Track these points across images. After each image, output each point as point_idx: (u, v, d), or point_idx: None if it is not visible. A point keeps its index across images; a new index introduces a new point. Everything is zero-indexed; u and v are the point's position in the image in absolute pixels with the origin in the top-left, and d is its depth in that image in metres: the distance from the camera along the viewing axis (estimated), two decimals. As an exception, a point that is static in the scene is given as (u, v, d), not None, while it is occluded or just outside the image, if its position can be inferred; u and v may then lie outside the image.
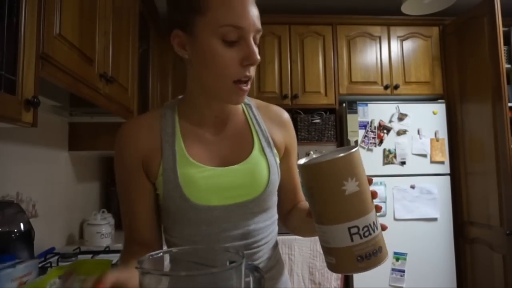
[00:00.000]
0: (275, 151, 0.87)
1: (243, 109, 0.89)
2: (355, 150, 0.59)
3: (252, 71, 0.76)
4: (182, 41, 0.81)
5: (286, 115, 0.93)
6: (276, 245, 0.91)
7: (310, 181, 0.60)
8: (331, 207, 0.58)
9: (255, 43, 0.74)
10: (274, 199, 0.89)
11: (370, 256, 0.58)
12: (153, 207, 0.84)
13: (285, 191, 0.92)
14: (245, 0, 0.73)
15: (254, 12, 0.74)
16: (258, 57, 0.73)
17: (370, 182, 0.62)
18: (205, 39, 0.74)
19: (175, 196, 0.77)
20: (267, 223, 0.85)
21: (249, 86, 0.78)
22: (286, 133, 0.91)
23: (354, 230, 0.57)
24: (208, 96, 0.81)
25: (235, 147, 0.84)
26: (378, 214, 0.62)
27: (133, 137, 0.83)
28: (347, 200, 0.57)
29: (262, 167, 0.82)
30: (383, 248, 0.60)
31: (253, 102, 0.91)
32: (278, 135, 0.89)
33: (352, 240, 0.57)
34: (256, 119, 0.88)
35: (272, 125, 0.89)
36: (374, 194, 0.62)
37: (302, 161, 0.61)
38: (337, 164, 0.57)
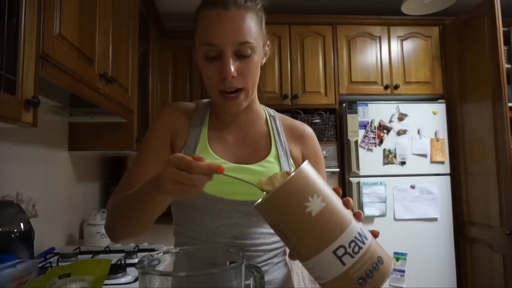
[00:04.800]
0: (291, 161, 0.91)
1: (266, 119, 0.96)
2: (301, 167, 0.52)
3: (236, 83, 0.80)
4: (194, 55, 0.90)
5: (307, 130, 0.98)
6: (284, 265, 0.91)
7: (272, 218, 0.53)
8: (305, 236, 0.51)
9: (242, 55, 0.79)
10: None
11: (372, 272, 0.50)
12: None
13: None
14: (221, 19, 0.78)
15: (233, 28, 0.78)
16: (230, 71, 0.77)
17: (338, 192, 0.57)
18: (197, 56, 0.85)
19: None
20: (271, 232, 0.84)
21: (240, 96, 0.82)
22: (305, 147, 0.95)
23: (341, 252, 0.49)
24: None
25: (252, 151, 0.90)
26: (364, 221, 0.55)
27: (171, 113, 0.91)
28: (317, 221, 0.50)
29: (274, 172, 0.84)
30: (383, 257, 0.52)
31: (278, 115, 0.99)
32: (296, 148, 0.94)
33: (343, 263, 0.50)
34: (277, 130, 0.94)
35: (292, 138, 0.95)
36: (347, 203, 0.55)
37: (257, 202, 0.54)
38: (289, 189, 0.50)
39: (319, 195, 0.50)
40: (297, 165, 0.92)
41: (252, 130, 0.93)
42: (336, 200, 0.52)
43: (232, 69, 0.78)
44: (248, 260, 0.81)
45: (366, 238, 0.51)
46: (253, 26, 0.81)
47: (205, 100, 0.97)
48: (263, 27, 0.87)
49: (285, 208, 0.50)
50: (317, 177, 0.53)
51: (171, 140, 0.89)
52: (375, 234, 0.57)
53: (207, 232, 0.84)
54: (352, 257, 0.49)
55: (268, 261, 0.86)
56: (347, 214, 0.52)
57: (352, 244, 0.49)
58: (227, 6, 0.78)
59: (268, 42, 0.91)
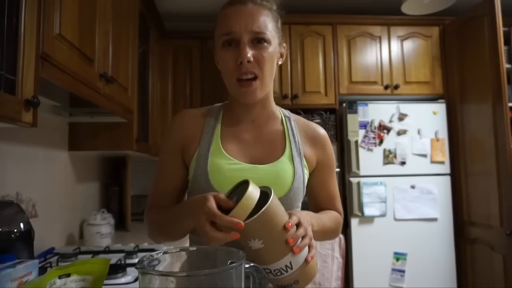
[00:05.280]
0: (304, 162, 0.94)
1: (282, 120, 0.99)
2: (252, 219, 0.67)
3: (252, 68, 0.85)
4: (215, 56, 0.95)
5: (322, 133, 1.01)
6: None
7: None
8: (251, 257, 0.70)
9: (257, 44, 0.86)
10: (295, 206, 0.93)
11: (285, 286, 0.74)
12: (178, 185, 0.95)
13: (320, 201, 1.01)
14: (239, 11, 0.86)
15: (250, 18, 0.85)
16: (246, 54, 0.83)
17: (286, 228, 0.70)
18: (217, 48, 0.90)
19: (201, 180, 0.87)
20: None
21: (255, 84, 0.86)
22: (318, 150, 0.98)
23: (267, 271, 0.73)
24: (234, 97, 0.93)
25: (267, 150, 0.92)
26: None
27: (180, 123, 0.96)
28: (255, 253, 0.71)
29: (288, 172, 0.90)
30: (300, 281, 0.74)
31: (293, 116, 1.02)
32: (310, 150, 0.97)
33: (268, 275, 0.74)
34: (292, 131, 0.96)
35: (306, 139, 0.97)
36: (289, 242, 0.70)
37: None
38: (245, 226, 0.67)
39: (261, 239, 0.69)
40: (310, 165, 0.96)
41: (267, 129, 0.96)
42: (275, 243, 0.71)
43: (249, 54, 0.83)
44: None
45: (291, 268, 0.72)
46: (268, 21, 0.88)
47: (218, 104, 1.01)
48: (279, 27, 0.93)
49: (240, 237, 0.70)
50: (268, 223, 0.69)
51: (182, 148, 0.93)
52: (308, 260, 0.74)
53: None
54: (274, 276, 0.73)
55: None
56: (281, 252, 0.71)
57: (276, 271, 0.72)
58: (245, 2, 0.87)
59: (284, 44, 0.96)
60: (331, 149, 1.01)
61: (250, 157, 0.90)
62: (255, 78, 0.86)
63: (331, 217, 0.98)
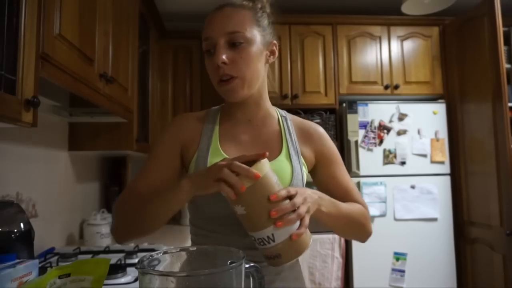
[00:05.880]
0: (302, 160, 0.94)
1: (278, 120, 0.99)
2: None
3: (229, 70, 0.85)
4: None
5: (317, 128, 1.00)
6: (296, 278, 0.93)
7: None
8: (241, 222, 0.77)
9: (233, 44, 0.86)
10: None
11: (270, 258, 0.76)
12: (165, 183, 0.91)
13: (334, 197, 0.92)
14: (216, 15, 0.88)
15: (224, 20, 0.86)
16: (220, 57, 0.84)
17: (270, 199, 0.71)
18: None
19: None
20: None
21: (233, 83, 0.87)
22: (315, 144, 0.97)
23: (252, 238, 0.76)
24: None
25: (264, 150, 0.88)
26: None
27: (180, 124, 0.96)
28: (239, 217, 0.75)
29: (286, 171, 0.90)
30: (282, 256, 0.74)
31: (289, 116, 1.02)
32: (307, 147, 0.97)
33: (254, 243, 0.77)
34: (289, 130, 0.97)
35: (302, 137, 0.97)
36: (271, 215, 0.71)
37: None
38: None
39: (244, 205, 0.72)
40: (309, 163, 0.96)
41: (264, 129, 0.96)
42: (257, 212, 0.73)
43: (223, 56, 0.84)
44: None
45: (273, 241, 0.73)
46: (247, 20, 0.87)
47: (215, 107, 1.01)
48: (264, 25, 0.92)
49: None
50: (256, 193, 0.72)
51: (182, 150, 0.93)
52: (293, 236, 0.73)
53: (216, 238, 0.87)
54: (258, 245, 0.76)
55: (281, 275, 0.88)
56: (264, 222, 0.72)
57: (259, 240, 0.74)
58: (223, 6, 0.89)
59: (275, 41, 0.95)
60: (330, 142, 1.00)
61: None
62: (234, 77, 0.86)
63: (354, 207, 0.93)
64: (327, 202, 0.83)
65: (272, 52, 0.95)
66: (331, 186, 0.96)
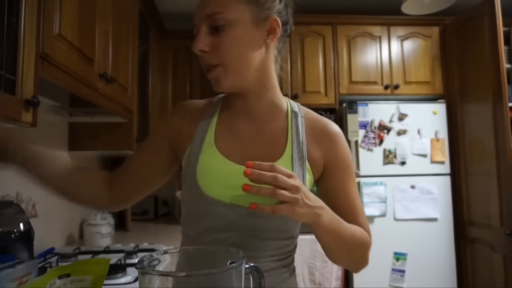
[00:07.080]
0: (307, 165, 0.81)
1: (287, 115, 0.85)
2: None
3: (209, 59, 0.77)
4: None
5: (333, 130, 0.85)
6: (290, 274, 0.84)
7: None
8: None
9: (215, 28, 0.76)
10: (294, 224, 0.81)
11: None
12: (148, 172, 0.88)
13: (337, 213, 0.76)
14: (199, 2, 0.79)
15: (204, 4, 0.77)
16: (196, 45, 0.76)
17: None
18: None
19: (190, 179, 0.79)
20: (275, 241, 0.79)
21: (215, 71, 0.77)
22: (326, 149, 0.83)
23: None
24: None
25: (264, 149, 0.81)
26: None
27: (176, 111, 0.89)
28: None
29: None
30: None
31: (302, 111, 0.87)
32: (317, 150, 0.82)
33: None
34: (297, 129, 0.83)
35: (313, 138, 0.83)
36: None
37: None
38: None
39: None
40: (316, 169, 0.82)
41: (267, 125, 0.83)
42: None
43: (199, 44, 0.76)
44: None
45: None
46: (230, 0, 0.76)
47: (220, 95, 0.90)
48: (256, 1, 0.78)
49: None
50: None
51: (177, 139, 0.86)
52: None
53: (204, 234, 0.79)
54: None
55: (271, 272, 0.79)
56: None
57: None
58: None
59: (276, 17, 0.81)
60: (345, 149, 0.84)
61: (244, 158, 0.76)
62: (216, 65, 0.76)
63: (358, 231, 0.80)
64: (329, 215, 0.71)
65: (271, 30, 0.79)
66: (335, 201, 0.81)
